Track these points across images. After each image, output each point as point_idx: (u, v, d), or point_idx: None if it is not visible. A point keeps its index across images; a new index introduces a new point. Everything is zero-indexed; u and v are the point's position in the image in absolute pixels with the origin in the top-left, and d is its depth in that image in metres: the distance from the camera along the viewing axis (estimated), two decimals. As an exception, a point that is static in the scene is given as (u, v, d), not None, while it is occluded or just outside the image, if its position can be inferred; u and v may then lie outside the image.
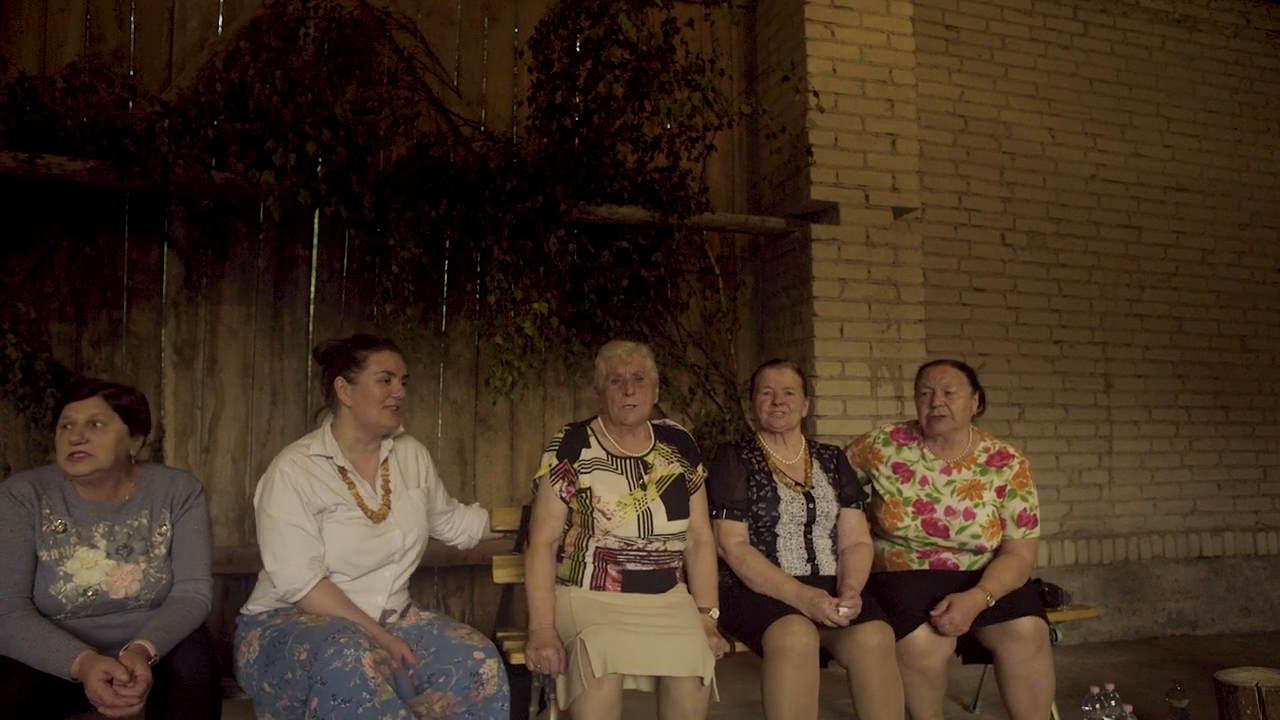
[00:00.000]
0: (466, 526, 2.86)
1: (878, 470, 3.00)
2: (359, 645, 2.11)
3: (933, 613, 2.64)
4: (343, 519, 2.41)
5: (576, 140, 3.72)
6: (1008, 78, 5.00)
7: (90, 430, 2.20)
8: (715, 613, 2.66)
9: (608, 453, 2.69)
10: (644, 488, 2.64)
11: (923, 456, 2.98)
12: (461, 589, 4.00)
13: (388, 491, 2.53)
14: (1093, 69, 5.21)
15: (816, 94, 4.06)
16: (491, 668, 2.31)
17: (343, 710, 2.02)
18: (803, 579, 2.71)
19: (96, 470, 2.22)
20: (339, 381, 2.47)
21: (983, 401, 2.98)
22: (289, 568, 2.33)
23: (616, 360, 2.69)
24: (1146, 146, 5.29)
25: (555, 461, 2.65)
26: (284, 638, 2.24)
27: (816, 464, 2.94)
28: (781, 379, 2.92)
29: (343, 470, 2.47)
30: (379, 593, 2.45)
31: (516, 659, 2.52)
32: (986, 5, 4.98)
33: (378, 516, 2.47)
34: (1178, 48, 5.44)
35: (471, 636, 2.39)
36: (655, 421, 2.84)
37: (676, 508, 2.65)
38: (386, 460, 2.58)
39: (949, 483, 2.91)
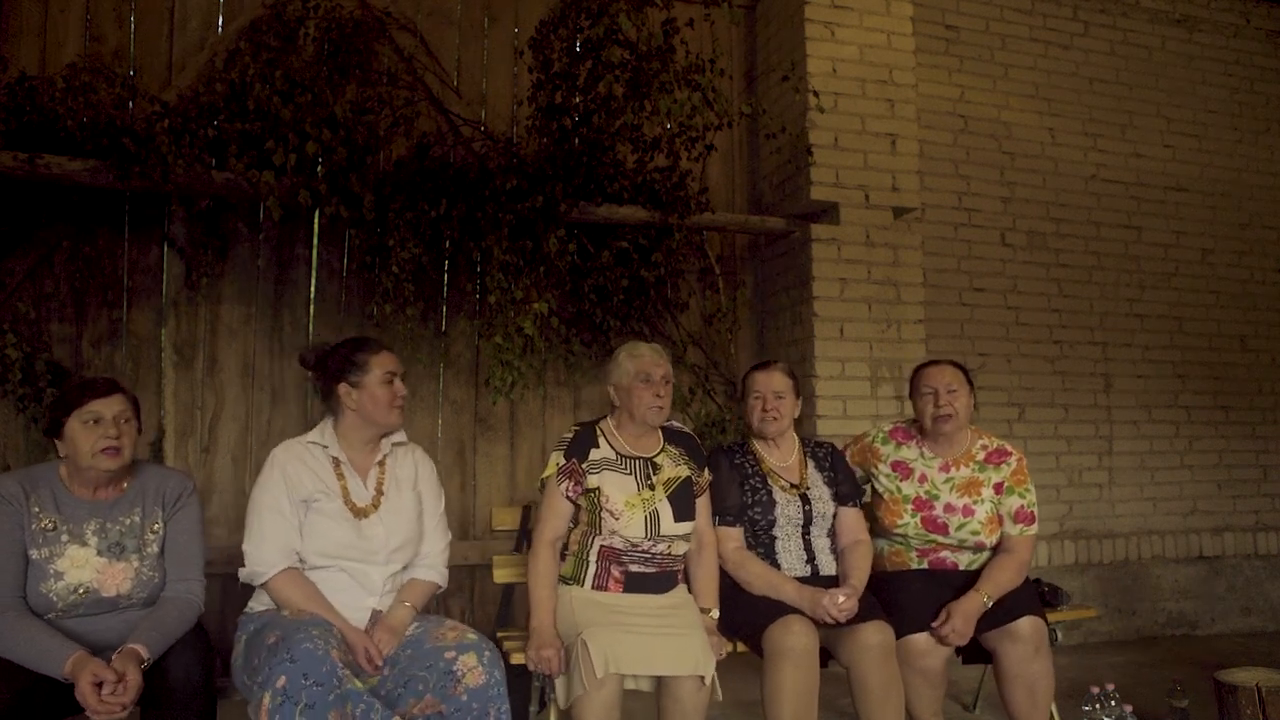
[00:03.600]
0: (427, 554, 2.59)
1: (877, 469, 3.00)
2: (329, 640, 2.14)
3: (934, 625, 2.63)
4: (324, 509, 2.41)
5: (576, 140, 3.72)
6: (1008, 78, 5.00)
7: (121, 426, 2.25)
8: (715, 613, 2.66)
9: (617, 453, 2.69)
10: (652, 488, 2.64)
11: (921, 455, 2.98)
12: (462, 589, 4.00)
13: (380, 491, 2.51)
14: (1093, 69, 5.21)
15: (816, 94, 4.06)
16: (467, 662, 2.27)
17: (313, 692, 2.01)
18: (803, 579, 2.71)
19: (122, 466, 2.27)
20: (343, 387, 2.48)
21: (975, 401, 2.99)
22: (260, 549, 2.36)
23: (648, 361, 2.71)
24: (1146, 146, 5.29)
25: (563, 461, 2.65)
26: (261, 630, 2.26)
27: (811, 464, 2.93)
28: (771, 383, 2.88)
29: (336, 461, 2.48)
30: (370, 594, 2.43)
31: (517, 659, 2.52)
32: (986, 5, 4.98)
33: (361, 512, 2.45)
34: (1178, 48, 5.44)
35: (445, 636, 2.35)
36: (663, 423, 2.84)
37: (683, 509, 2.65)
38: (384, 460, 2.57)
39: (948, 480, 2.91)
